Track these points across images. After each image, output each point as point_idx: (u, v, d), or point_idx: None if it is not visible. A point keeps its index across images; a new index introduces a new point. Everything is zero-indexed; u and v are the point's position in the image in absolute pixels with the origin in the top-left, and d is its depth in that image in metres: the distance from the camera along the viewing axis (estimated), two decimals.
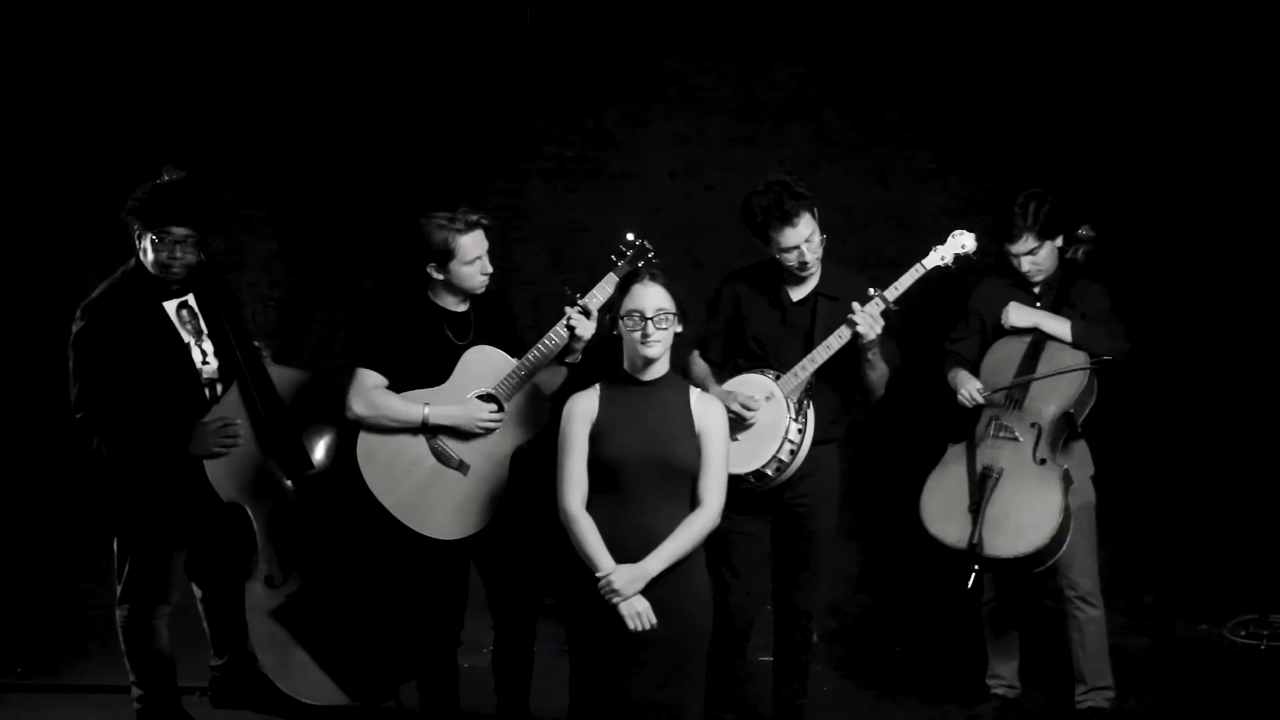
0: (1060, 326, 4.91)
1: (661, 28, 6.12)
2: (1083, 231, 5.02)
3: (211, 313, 4.84)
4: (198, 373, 4.80)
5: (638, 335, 4.06)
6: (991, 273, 5.12)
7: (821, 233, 4.67)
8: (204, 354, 4.83)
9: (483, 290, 4.66)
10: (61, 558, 6.17)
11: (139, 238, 4.74)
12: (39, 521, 6.21)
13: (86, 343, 4.69)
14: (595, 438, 4.08)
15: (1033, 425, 4.85)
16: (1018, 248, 4.93)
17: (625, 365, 4.16)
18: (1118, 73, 5.91)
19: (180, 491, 4.76)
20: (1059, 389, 4.85)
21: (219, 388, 4.82)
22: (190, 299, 4.83)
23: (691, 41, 6.12)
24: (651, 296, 4.08)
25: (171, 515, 4.78)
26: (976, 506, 4.80)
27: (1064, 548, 4.80)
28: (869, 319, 4.56)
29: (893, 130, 6.09)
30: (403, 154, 6.20)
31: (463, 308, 4.69)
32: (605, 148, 6.20)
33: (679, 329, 4.13)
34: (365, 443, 4.61)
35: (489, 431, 4.60)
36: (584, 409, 4.11)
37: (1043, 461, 4.83)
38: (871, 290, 4.62)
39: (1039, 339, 4.92)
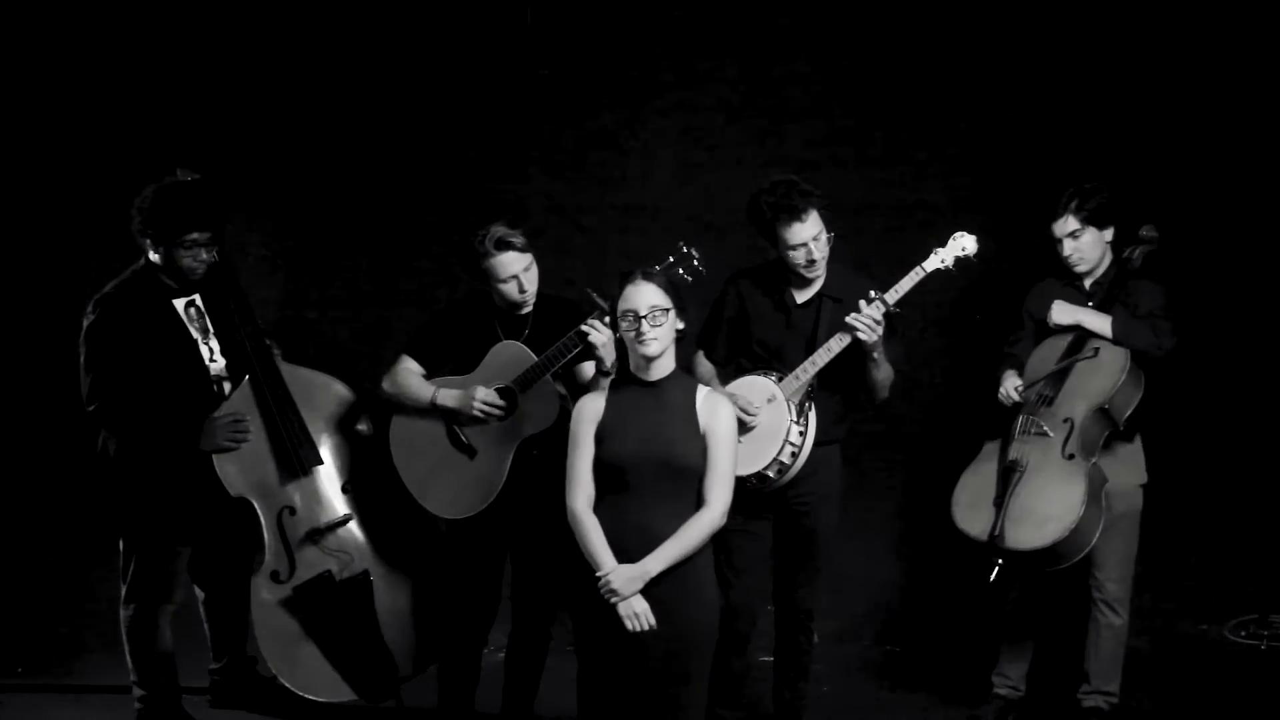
0: (1101, 322, 4.88)
1: (662, 28, 6.12)
2: (1143, 232, 4.99)
3: (219, 311, 4.88)
4: (206, 369, 4.84)
5: (633, 335, 4.06)
6: (1043, 275, 5.10)
7: (830, 232, 4.67)
8: (210, 352, 4.86)
9: (525, 306, 4.76)
10: (62, 557, 6.16)
11: (152, 246, 4.75)
12: (40, 521, 6.20)
13: (98, 336, 4.72)
14: (600, 438, 4.09)
15: (1065, 421, 4.85)
16: (1058, 228, 4.93)
17: (630, 366, 4.16)
18: (1131, 70, 5.90)
19: (187, 488, 4.78)
20: (1090, 385, 4.85)
21: (226, 386, 4.87)
22: (197, 298, 4.86)
23: (692, 42, 6.12)
24: (644, 295, 4.07)
25: (178, 512, 4.80)
26: (1000, 500, 4.82)
27: (1088, 548, 4.80)
28: (868, 323, 4.56)
29: (896, 131, 6.09)
30: (403, 154, 6.20)
31: (525, 309, 4.78)
32: (606, 148, 6.20)
33: (679, 325, 4.12)
34: (395, 423, 4.85)
35: (485, 417, 4.69)
36: (591, 409, 4.12)
37: (1070, 457, 4.82)
38: (872, 293, 4.62)
39: (1080, 336, 4.91)
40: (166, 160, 4.96)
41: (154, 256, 4.78)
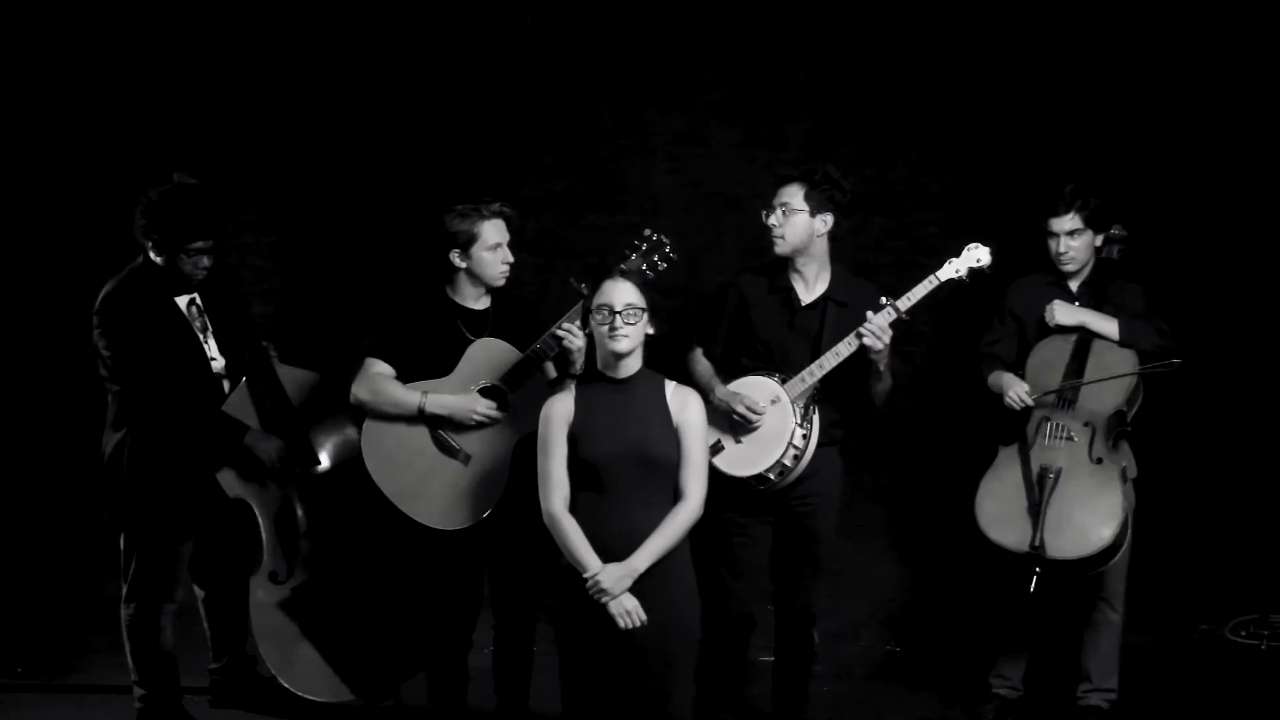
0: (1108, 325, 4.90)
1: (662, 29, 6.12)
2: (1115, 230, 5.00)
3: (217, 310, 4.88)
4: (210, 365, 4.84)
5: (606, 329, 4.06)
6: (1026, 273, 5.10)
7: (814, 217, 4.67)
8: (211, 349, 4.85)
9: (502, 281, 4.69)
10: (63, 558, 6.17)
11: (155, 250, 4.75)
12: (40, 522, 6.20)
13: (114, 325, 4.71)
14: (575, 438, 4.08)
15: (1086, 424, 4.86)
16: (1059, 224, 4.93)
17: (598, 364, 4.16)
18: (1136, 71, 5.91)
19: (189, 485, 4.78)
20: (1112, 387, 4.86)
21: (225, 384, 4.86)
22: (196, 296, 4.87)
23: (692, 42, 6.12)
24: (620, 292, 4.09)
25: (179, 510, 4.80)
26: (1036, 509, 4.79)
27: (1124, 547, 4.81)
28: (877, 330, 4.56)
29: (896, 131, 6.09)
30: (403, 156, 6.20)
31: (482, 305, 4.72)
32: (605, 148, 6.20)
33: (649, 330, 4.13)
34: (369, 430, 4.65)
35: (485, 424, 4.61)
36: (561, 411, 4.11)
37: (1099, 460, 4.82)
38: (884, 299, 4.62)
39: (1085, 338, 4.91)
40: (166, 162, 4.95)
41: (156, 258, 4.79)
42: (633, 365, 4.13)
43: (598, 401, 4.11)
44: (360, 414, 4.68)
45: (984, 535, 4.86)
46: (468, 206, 4.65)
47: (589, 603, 4.02)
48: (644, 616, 4.01)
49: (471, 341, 4.66)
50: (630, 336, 4.07)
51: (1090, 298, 4.97)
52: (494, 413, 4.62)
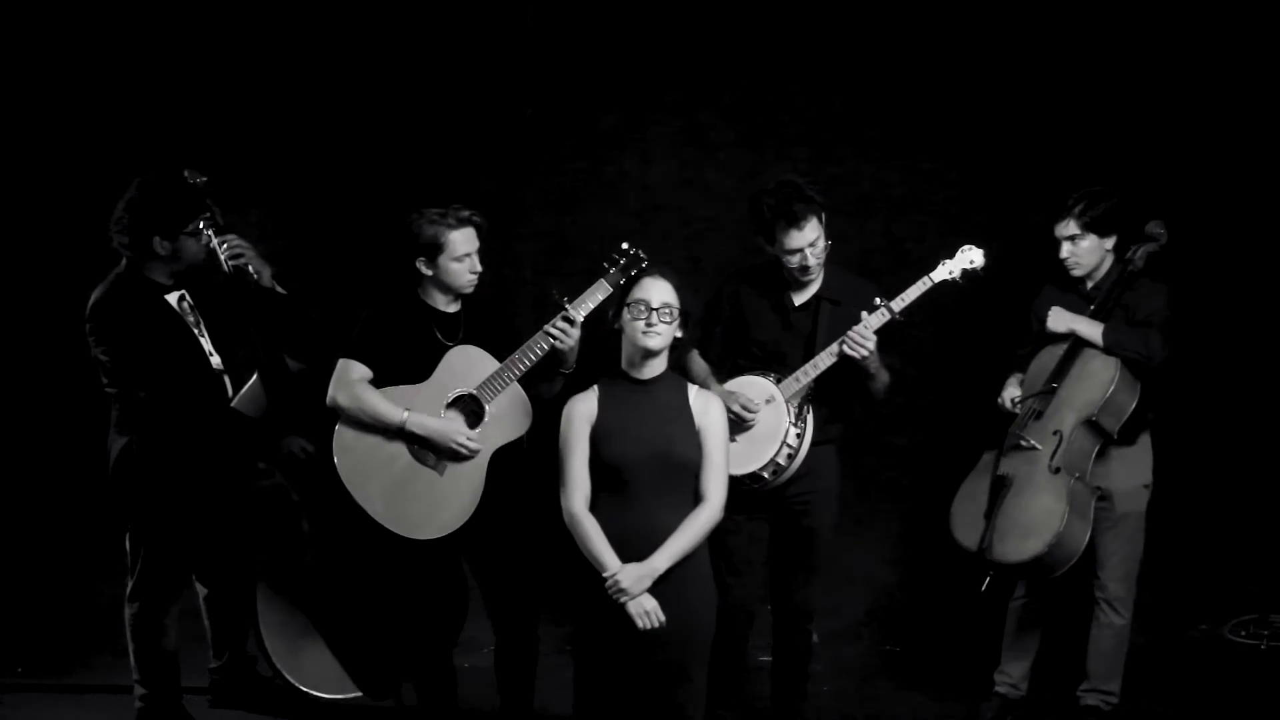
0: (1093, 330, 4.88)
1: (662, 28, 6.12)
2: (1150, 228, 4.95)
3: (208, 306, 4.85)
4: (209, 361, 4.81)
5: (641, 324, 4.06)
6: (1043, 278, 5.11)
7: (827, 240, 4.66)
8: (206, 345, 4.83)
9: (470, 290, 4.62)
10: (64, 558, 6.16)
11: (159, 243, 4.72)
12: (41, 522, 6.20)
13: (109, 330, 4.68)
14: (597, 438, 4.09)
15: (1054, 433, 4.86)
16: (1058, 230, 4.94)
17: (623, 363, 4.16)
18: (1135, 71, 5.90)
19: (194, 485, 4.75)
20: (1078, 397, 4.85)
21: (226, 380, 4.82)
22: (185, 293, 4.84)
23: (692, 42, 6.12)
24: (659, 289, 4.10)
25: (185, 510, 4.77)
26: (989, 513, 4.85)
27: (1074, 559, 4.82)
28: (858, 340, 4.57)
29: (896, 132, 6.09)
30: (401, 155, 6.19)
31: (453, 308, 4.65)
32: (604, 148, 6.20)
33: (679, 333, 4.14)
34: (342, 435, 4.55)
35: (464, 452, 4.52)
36: (584, 411, 4.11)
37: (1056, 470, 4.83)
38: (878, 300, 4.62)
39: (1076, 344, 4.91)
40: (164, 161, 4.94)
41: (160, 250, 4.75)
42: (658, 366, 4.14)
43: (621, 402, 4.11)
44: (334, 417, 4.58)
45: (951, 535, 4.95)
46: (435, 213, 4.55)
47: (604, 603, 4.03)
48: (662, 617, 4.01)
49: (445, 346, 4.58)
50: (662, 335, 4.08)
51: (1102, 300, 4.95)
52: (474, 445, 4.52)
